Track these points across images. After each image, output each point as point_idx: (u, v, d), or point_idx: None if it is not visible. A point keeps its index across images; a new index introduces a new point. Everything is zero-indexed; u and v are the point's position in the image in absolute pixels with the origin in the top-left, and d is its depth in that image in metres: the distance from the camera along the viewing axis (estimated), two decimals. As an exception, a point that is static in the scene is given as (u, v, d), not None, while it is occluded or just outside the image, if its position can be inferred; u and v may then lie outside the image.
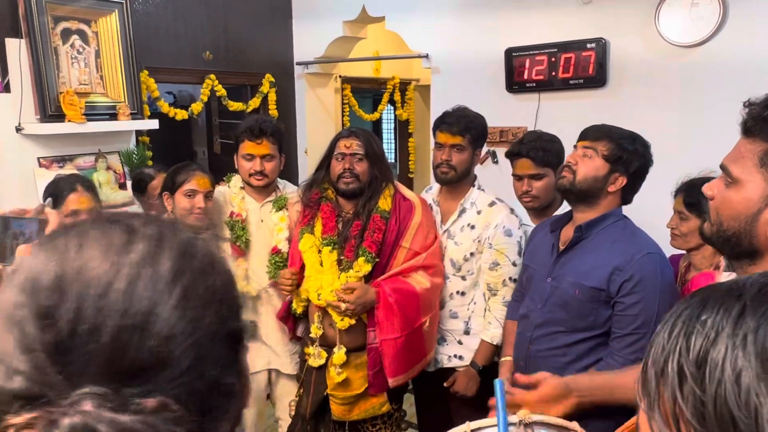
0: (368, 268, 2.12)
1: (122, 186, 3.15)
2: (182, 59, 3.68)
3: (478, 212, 2.28)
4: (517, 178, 2.31)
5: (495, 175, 3.47)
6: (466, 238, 2.28)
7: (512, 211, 2.29)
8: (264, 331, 2.62)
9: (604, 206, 1.74)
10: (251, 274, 2.57)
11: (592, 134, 1.77)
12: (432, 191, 2.46)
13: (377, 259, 2.14)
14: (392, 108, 5.53)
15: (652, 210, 2.71)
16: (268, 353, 2.64)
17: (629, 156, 1.70)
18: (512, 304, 2.12)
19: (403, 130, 5.46)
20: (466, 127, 2.23)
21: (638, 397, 0.53)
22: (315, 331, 2.22)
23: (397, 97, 5.20)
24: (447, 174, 2.26)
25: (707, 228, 1.05)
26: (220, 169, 2.69)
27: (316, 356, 2.21)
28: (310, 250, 2.21)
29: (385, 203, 2.19)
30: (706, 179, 1.92)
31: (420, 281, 2.19)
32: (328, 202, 2.25)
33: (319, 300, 2.16)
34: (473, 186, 2.33)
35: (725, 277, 1.20)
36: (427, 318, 2.20)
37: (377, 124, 7.12)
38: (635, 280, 1.62)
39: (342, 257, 2.16)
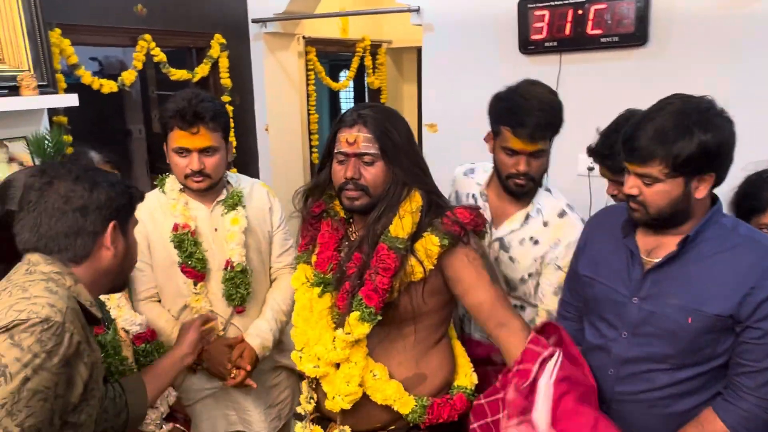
0: (365, 329, 1.40)
1: (33, 183, 2.39)
2: (108, 15, 2.93)
3: (545, 224, 1.73)
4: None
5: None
6: (526, 254, 1.72)
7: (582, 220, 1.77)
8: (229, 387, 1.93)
9: (701, 212, 1.39)
10: (215, 302, 1.92)
11: (639, 154, 1.34)
12: (475, 176, 1.85)
13: (380, 317, 1.41)
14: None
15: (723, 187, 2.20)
16: (237, 413, 2.02)
17: (699, 150, 1.28)
18: (565, 324, 1.56)
19: (374, 100, 4.79)
20: (549, 124, 1.62)
21: None
22: (304, 404, 1.58)
23: (368, 61, 4.52)
24: (524, 187, 1.69)
25: None
26: (162, 153, 1.97)
27: None
28: (302, 287, 1.55)
29: (398, 226, 1.41)
30: None
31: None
32: (330, 219, 1.55)
33: (300, 362, 1.50)
34: (540, 186, 1.75)
35: None
36: None
37: (334, 95, 6.41)
38: None
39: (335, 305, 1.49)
